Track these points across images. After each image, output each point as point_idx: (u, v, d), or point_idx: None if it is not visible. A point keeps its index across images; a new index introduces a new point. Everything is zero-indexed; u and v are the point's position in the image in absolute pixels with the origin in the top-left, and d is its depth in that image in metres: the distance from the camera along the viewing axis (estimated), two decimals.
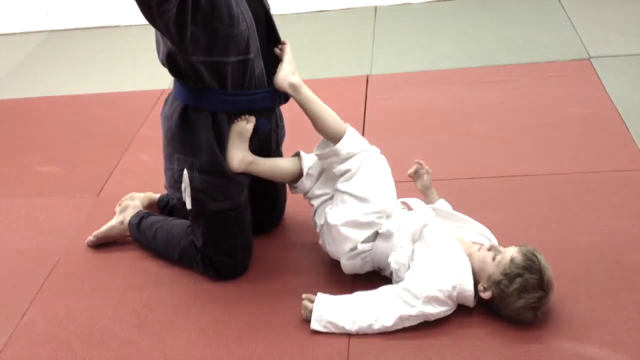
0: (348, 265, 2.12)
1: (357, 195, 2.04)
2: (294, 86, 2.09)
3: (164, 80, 3.71)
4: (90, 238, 2.49)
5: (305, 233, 2.40)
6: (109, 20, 4.61)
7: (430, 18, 4.08)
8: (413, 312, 1.95)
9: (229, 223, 2.20)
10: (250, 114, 2.11)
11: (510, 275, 1.90)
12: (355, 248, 2.07)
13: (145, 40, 4.30)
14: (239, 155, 2.11)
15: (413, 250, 2.06)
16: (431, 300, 1.94)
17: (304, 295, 2.05)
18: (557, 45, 3.54)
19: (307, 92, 2.09)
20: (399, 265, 2.05)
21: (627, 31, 3.58)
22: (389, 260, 2.06)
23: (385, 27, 4.05)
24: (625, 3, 3.89)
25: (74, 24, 4.64)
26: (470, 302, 1.98)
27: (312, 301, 2.03)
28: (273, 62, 2.13)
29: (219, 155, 2.09)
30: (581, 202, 2.43)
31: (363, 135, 2.93)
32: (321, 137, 2.12)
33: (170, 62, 2.04)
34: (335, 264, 2.20)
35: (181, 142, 2.11)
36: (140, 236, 2.43)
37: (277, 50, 2.14)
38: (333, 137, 2.06)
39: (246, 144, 2.12)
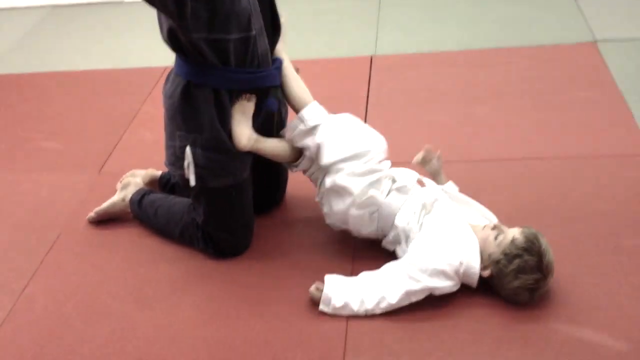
0: (356, 216, 2.10)
1: (344, 158, 2.07)
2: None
3: (167, 58, 3.66)
4: (91, 214, 2.49)
5: (306, 212, 2.41)
6: None
7: None
8: (418, 286, 1.94)
9: (230, 200, 2.19)
10: (258, 93, 2.10)
11: (509, 255, 1.92)
12: (365, 194, 2.07)
13: (148, 17, 4.28)
14: (246, 132, 2.10)
15: (421, 223, 2.06)
16: (438, 273, 1.94)
17: (312, 287, 2.04)
18: (563, 28, 3.52)
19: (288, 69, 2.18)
20: (403, 226, 2.05)
21: (633, 15, 3.55)
22: (396, 223, 2.07)
23: (390, 7, 4.02)
24: None
25: (77, 0, 4.61)
26: (475, 281, 1.98)
27: (320, 290, 2.02)
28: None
29: (221, 132, 2.08)
30: (582, 186, 2.42)
31: (366, 115, 2.95)
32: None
33: (172, 38, 2.03)
34: (335, 241, 2.21)
35: (183, 119, 2.10)
36: (141, 213, 2.43)
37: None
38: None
39: (250, 122, 2.12)
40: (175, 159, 2.16)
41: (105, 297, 2.19)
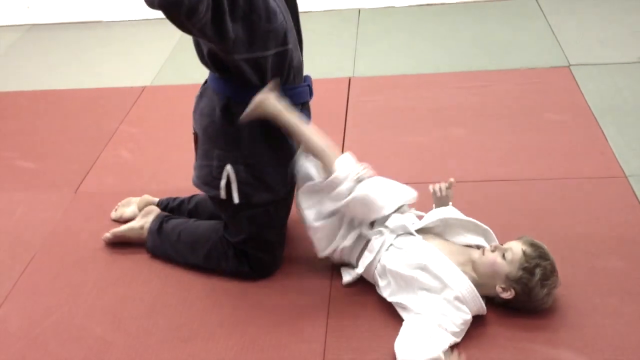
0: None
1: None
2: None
3: (145, 77, 3.70)
4: (107, 235, 2.44)
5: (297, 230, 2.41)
6: (91, 15, 4.58)
7: (413, 21, 4.09)
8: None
9: (270, 217, 2.17)
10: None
11: (529, 267, 1.92)
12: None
13: (127, 36, 4.32)
14: (274, 95, 2.01)
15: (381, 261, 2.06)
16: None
17: None
18: (537, 52, 3.58)
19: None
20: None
21: (606, 40, 3.62)
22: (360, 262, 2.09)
23: (368, 29, 4.06)
24: (605, 12, 3.93)
25: (56, 19, 4.60)
26: (480, 306, 1.95)
27: None
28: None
29: (263, 146, 2.06)
30: (557, 208, 2.45)
31: (344, 136, 2.97)
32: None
33: (213, 59, 2.00)
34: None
35: (224, 136, 2.06)
36: (161, 240, 2.35)
37: None
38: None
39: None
40: (212, 179, 2.11)
41: (81, 318, 2.17)
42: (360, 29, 4.07)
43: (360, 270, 2.11)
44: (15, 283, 2.33)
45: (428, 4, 4.27)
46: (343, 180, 2.01)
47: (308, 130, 2.06)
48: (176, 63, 3.85)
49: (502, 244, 2.02)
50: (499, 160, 2.75)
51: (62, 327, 2.14)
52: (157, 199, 2.56)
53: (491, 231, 2.14)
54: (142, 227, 2.40)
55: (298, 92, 2.12)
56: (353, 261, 2.15)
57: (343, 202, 2.02)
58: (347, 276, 2.17)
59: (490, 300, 1.99)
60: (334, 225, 2.10)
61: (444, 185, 2.24)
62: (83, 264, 2.40)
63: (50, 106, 3.53)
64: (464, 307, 1.92)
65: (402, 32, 3.99)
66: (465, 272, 1.97)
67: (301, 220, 2.14)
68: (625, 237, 2.29)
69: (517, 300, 1.96)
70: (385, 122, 3.10)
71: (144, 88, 3.59)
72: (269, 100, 2.00)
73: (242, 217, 2.16)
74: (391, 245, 2.06)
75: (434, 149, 2.87)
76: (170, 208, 2.51)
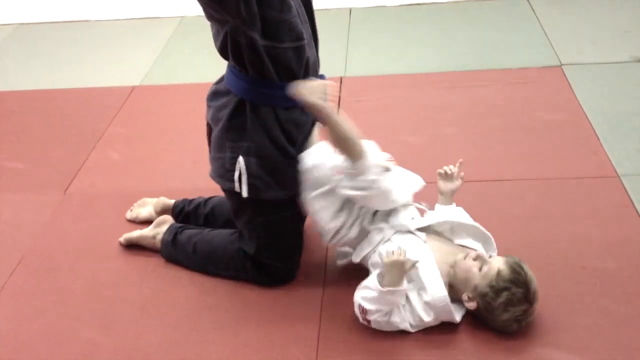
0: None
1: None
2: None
3: (135, 77, 3.68)
4: (121, 239, 2.42)
5: None
6: (80, 14, 4.54)
7: (404, 21, 4.08)
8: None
9: (286, 225, 2.14)
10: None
11: (496, 288, 1.88)
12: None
13: (116, 36, 4.29)
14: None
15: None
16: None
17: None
18: (529, 52, 3.57)
19: None
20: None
21: (598, 39, 3.63)
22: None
23: (359, 29, 4.05)
24: (596, 12, 3.94)
25: (44, 18, 4.56)
26: (454, 319, 1.96)
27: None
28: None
29: (277, 137, 2.03)
30: (549, 208, 2.45)
31: None
32: None
33: (234, 49, 1.96)
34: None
35: (236, 127, 2.04)
36: (176, 252, 2.32)
37: None
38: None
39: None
40: (225, 171, 2.08)
41: (69, 321, 2.14)
42: (351, 29, 4.06)
43: (356, 260, 2.11)
44: (4, 285, 2.31)
45: (419, 4, 4.26)
46: (371, 166, 1.98)
47: (340, 116, 2.03)
48: (166, 63, 3.83)
49: (490, 255, 2.01)
50: (491, 160, 2.75)
51: (50, 330, 2.12)
52: (172, 201, 2.51)
53: (492, 239, 2.11)
54: (154, 237, 2.37)
55: None
56: (352, 249, 2.14)
57: (365, 192, 1.99)
58: (342, 259, 2.19)
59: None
60: (344, 218, 2.08)
61: (452, 166, 2.24)
62: (72, 265, 2.37)
63: (39, 106, 3.50)
64: (429, 312, 1.94)
65: (394, 31, 3.98)
66: (450, 273, 1.97)
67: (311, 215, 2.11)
68: (618, 237, 2.29)
69: (479, 315, 1.96)
70: (376, 121, 3.09)
71: (133, 88, 3.56)
72: (321, 88, 1.98)
73: (258, 223, 2.13)
74: (389, 240, 2.05)
75: (426, 148, 2.86)
76: (187, 212, 2.47)
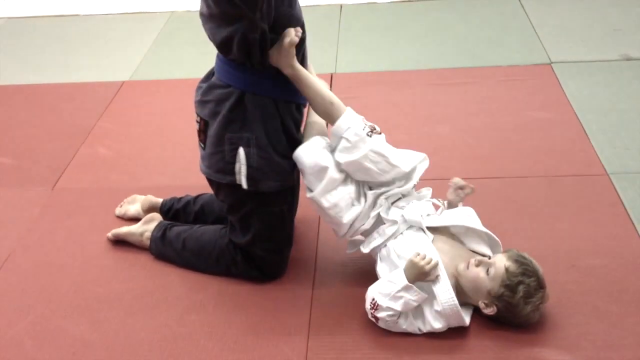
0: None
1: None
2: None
3: (124, 72, 3.65)
4: (109, 235, 2.41)
5: None
6: (69, 9, 4.51)
7: (395, 18, 4.08)
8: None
9: (283, 219, 2.15)
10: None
11: (511, 285, 1.88)
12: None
13: (106, 30, 4.26)
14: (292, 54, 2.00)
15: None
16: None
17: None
18: (519, 49, 3.58)
19: None
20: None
21: (587, 38, 3.64)
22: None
23: (350, 25, 4.04)
24: (586, 10, 3.95)
25: (32, 12, 4.53)
26: (464, 323, 1.95)
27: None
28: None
29: (277, 129, 2.04)
30: (539, 206, 2.45)
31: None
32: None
33: (242, 44, 1.94)
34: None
35: (237, 119, 2.03)
36: (165, 249, 2.32)
37: None
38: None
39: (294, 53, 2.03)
40: (225, 164, 2.06)
41: (58, 318, 2.13)
42: (342, 25, 4.05)
43: (365, 250, 2.10)
44: None
45: (410, 1, 4.26)
46: (354, 120, 2.01)
47: (317, 82, 2.06)
48: (155, 58, 3.80)
49: (488, 256, 2.01)
50: (481, 157, 2.75)
51: (39, 327, 2.10)
52: (160, 200, 2.50)
53: (500, 243, 2.09)
54: (142, 234, 2.36)
55: None
56: (364, 238, 2.13)
57: (357, 153, 1.99)
58: (352, 248, 2.18)
59: (477, 310, 1.97)
60: (359, 209, 2.06)
61: (468, 190, 2.20)
62: (61, 262, 2.36)
63: (27, 101, 3.47)
64: (440, 320, 1.93)
65: (385, 28, 3.98)
66: (456, 278, 1.96)
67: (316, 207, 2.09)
68: (607, 235, 2.30)
69: (501, 317, 1.94)
70: (367, 119, 3.06)
71: (122, 83, 3.54)
72: (293, 50, 1.98)
73: (255, 215, 2.12)
74: (401, 234, 2.04)
75: (417, 146, 2.82)
76: (175, 210, 2.46)
